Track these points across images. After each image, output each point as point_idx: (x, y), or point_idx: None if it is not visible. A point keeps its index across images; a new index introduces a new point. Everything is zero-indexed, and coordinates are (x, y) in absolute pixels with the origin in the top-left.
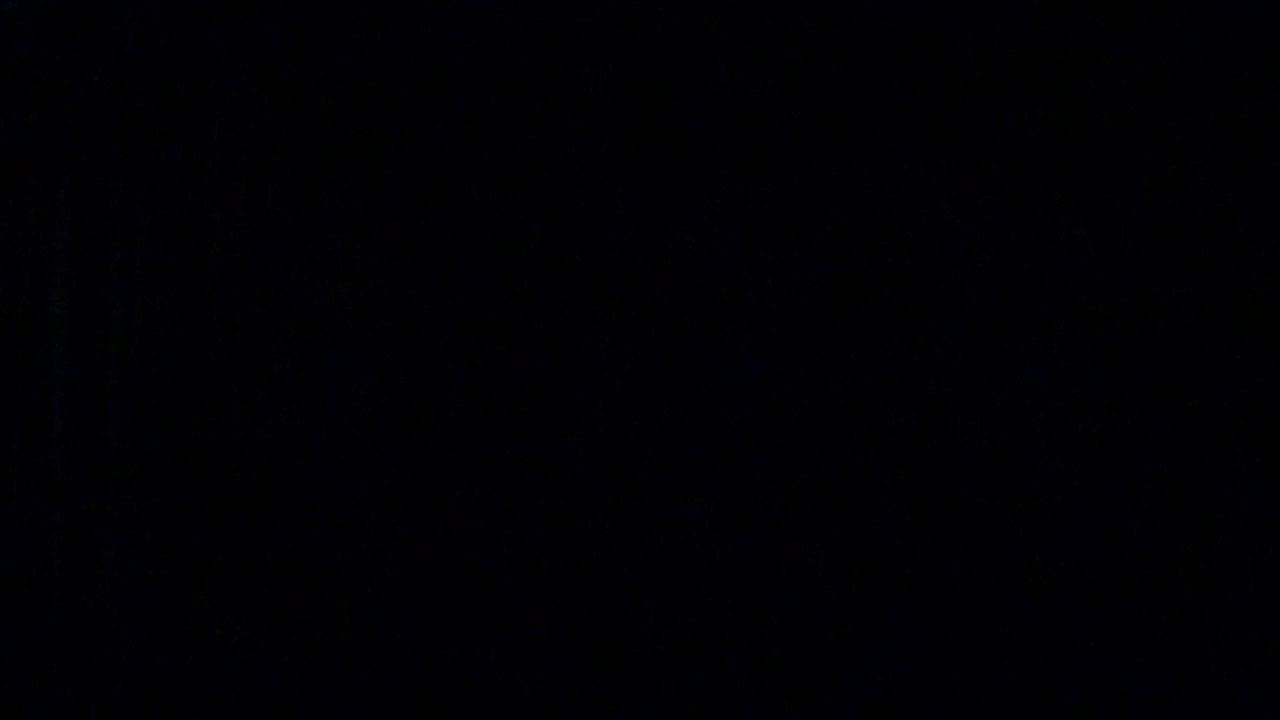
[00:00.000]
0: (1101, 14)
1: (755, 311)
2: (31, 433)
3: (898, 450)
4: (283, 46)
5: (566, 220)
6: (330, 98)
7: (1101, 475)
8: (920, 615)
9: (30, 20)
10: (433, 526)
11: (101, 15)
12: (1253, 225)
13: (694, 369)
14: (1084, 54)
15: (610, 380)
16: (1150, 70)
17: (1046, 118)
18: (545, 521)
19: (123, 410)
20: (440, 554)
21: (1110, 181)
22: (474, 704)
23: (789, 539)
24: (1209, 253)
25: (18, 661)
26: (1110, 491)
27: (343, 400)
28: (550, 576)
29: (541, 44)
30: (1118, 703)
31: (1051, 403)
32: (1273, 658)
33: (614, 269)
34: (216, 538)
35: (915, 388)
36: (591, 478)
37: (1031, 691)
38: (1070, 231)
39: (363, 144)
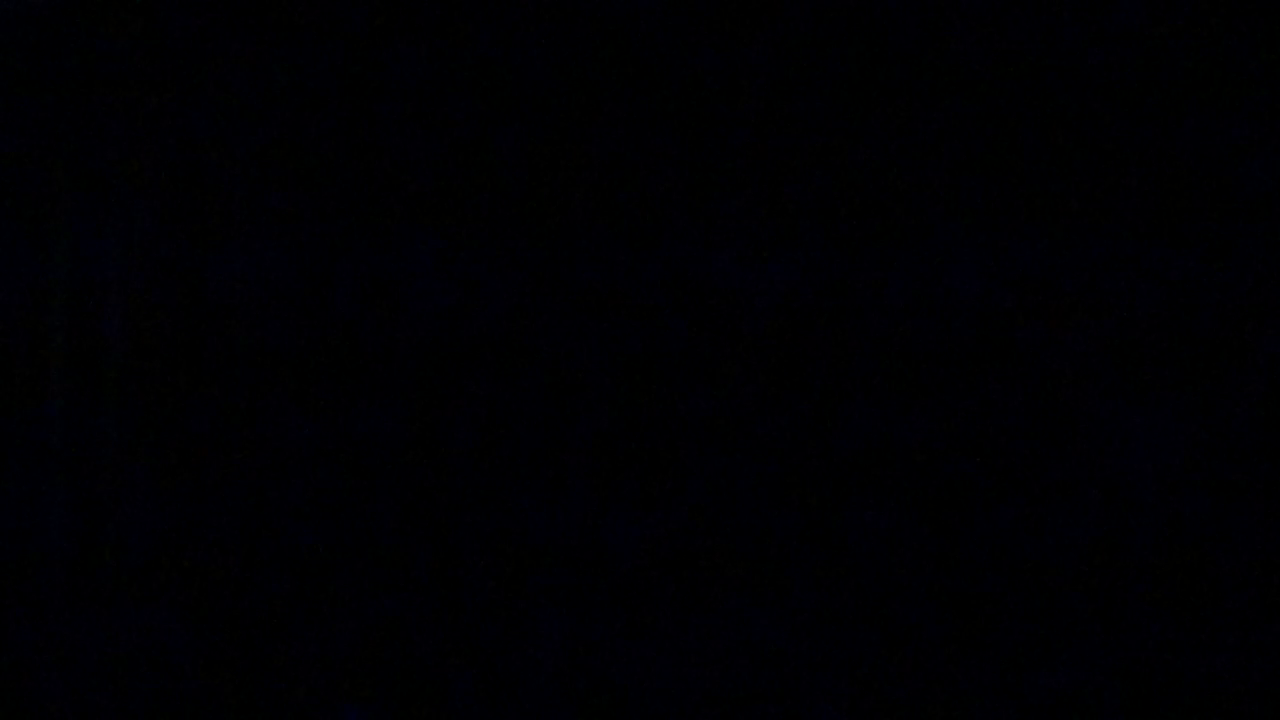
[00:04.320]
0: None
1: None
2: (32, 433)
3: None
4: (283, 48)
5: (567, 220)
6: (330, 99)
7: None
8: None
9: (30, 20)
10: (431, 524)
11: (101, 16)
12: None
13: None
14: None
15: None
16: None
17: (1045, 116)
18: (543, 528)
19: (122, 411)
20: (439, 551)
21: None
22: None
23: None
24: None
25: (18, 659)
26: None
27: (342, 399)
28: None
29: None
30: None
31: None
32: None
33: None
34: (216, 538)
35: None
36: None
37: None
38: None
39: (363, 145)
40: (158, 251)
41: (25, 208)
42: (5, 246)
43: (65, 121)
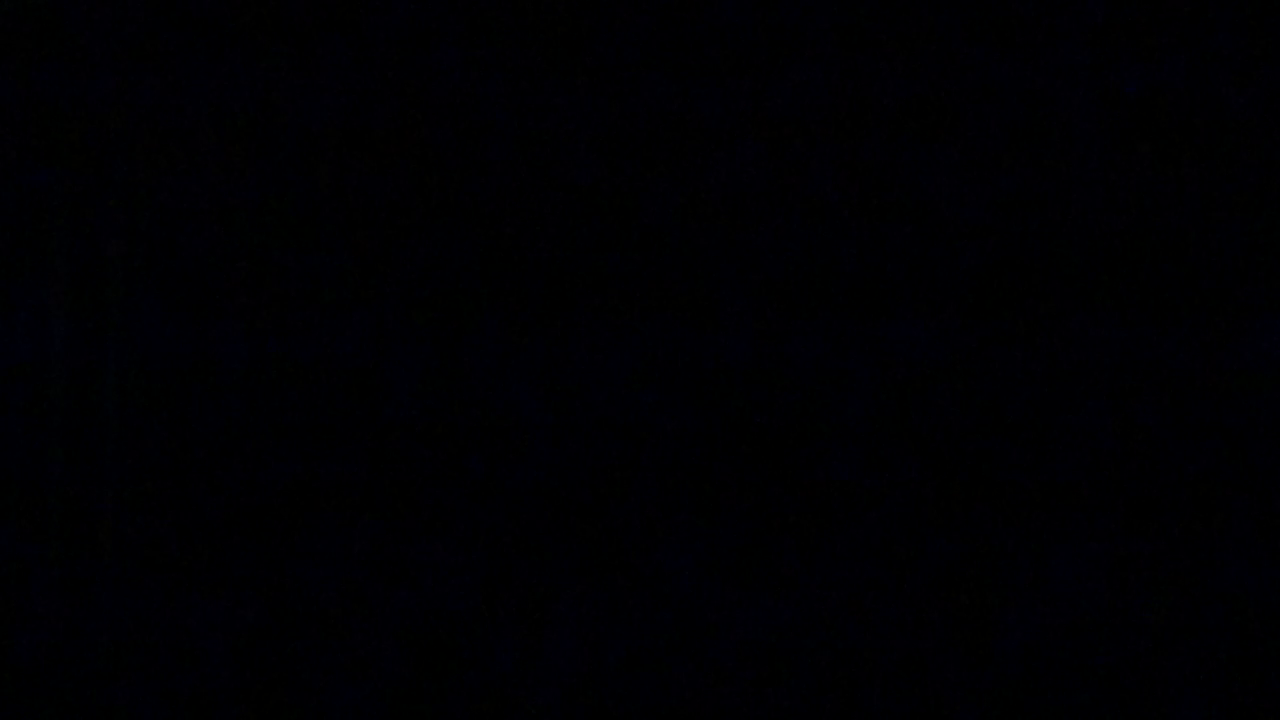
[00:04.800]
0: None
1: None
2: (31, 427)
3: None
4: (283, 45)
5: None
6: (331, 96)
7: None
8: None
9: (30, 17)
10: (433, 520)
11: (102, 13)
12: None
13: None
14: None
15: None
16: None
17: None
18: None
19: (123, 406)
20: (442, 546)
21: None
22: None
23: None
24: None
25: (17, 657)
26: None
27: (343, 395)
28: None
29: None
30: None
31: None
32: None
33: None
34: (216, 535)
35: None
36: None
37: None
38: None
39: (363, 141)
40: (159, 251)
41: (25, 207)
42: (5, 245)
43: (65, 120)
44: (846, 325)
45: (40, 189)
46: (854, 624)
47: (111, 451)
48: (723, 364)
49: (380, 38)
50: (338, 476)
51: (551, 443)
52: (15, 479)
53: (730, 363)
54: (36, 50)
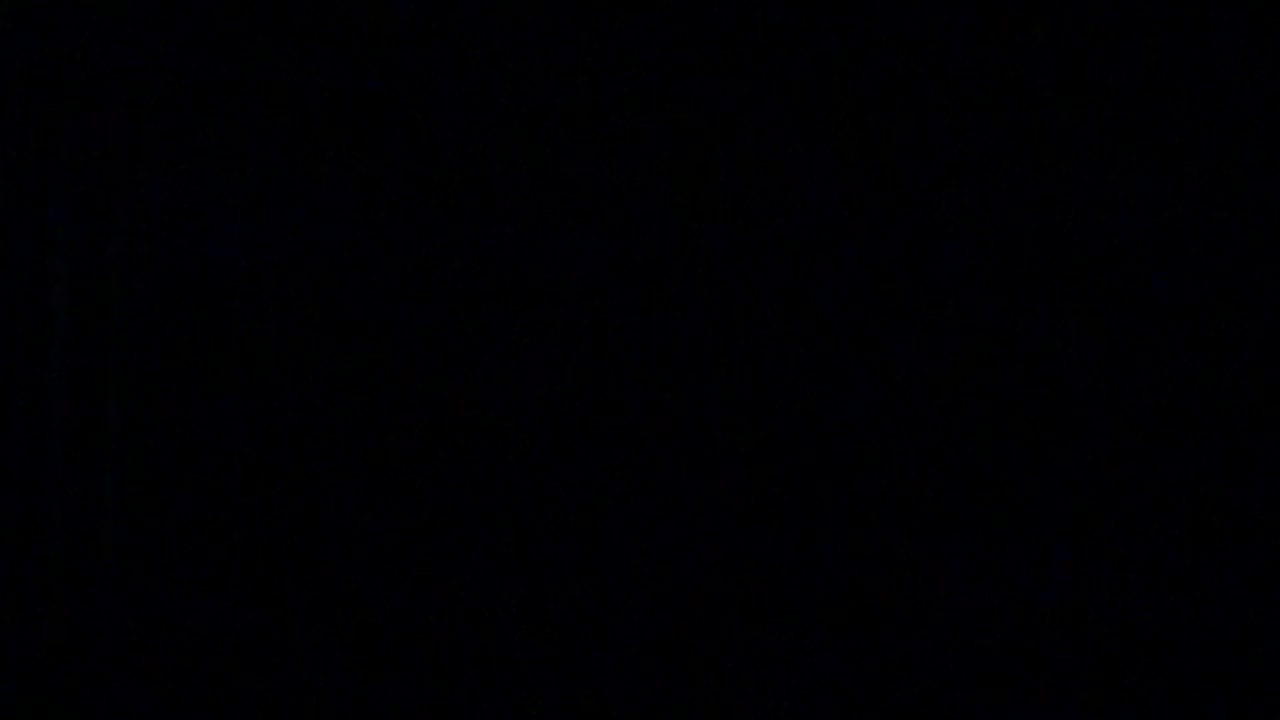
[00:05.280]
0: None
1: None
2: (31, 431)
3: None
4: (284, 41)
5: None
6: (330, 92)
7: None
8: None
9: (30, 15)
10: (435, 519)
11: (102, 10)
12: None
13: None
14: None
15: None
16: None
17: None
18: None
19: (123, 406)
20: (442, 545)
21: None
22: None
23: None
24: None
25: (15, 660)
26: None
27: (344, 394)
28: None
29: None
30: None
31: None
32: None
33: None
34: (216, 536)
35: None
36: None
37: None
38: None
39: (364, 138)
40: (159, 250)
41: (25, 207)
42: (5, 245)
43: (65, 117)
44: (847, 326)
45: (40, 189)
46: (853, 626)
47: (112, 452)
48: (722, 364)
49: (382, 35)
50: (339, 476)
51: (551, 442)
52: (15, 480)
53: (730, 362)
54: (38, 48)
